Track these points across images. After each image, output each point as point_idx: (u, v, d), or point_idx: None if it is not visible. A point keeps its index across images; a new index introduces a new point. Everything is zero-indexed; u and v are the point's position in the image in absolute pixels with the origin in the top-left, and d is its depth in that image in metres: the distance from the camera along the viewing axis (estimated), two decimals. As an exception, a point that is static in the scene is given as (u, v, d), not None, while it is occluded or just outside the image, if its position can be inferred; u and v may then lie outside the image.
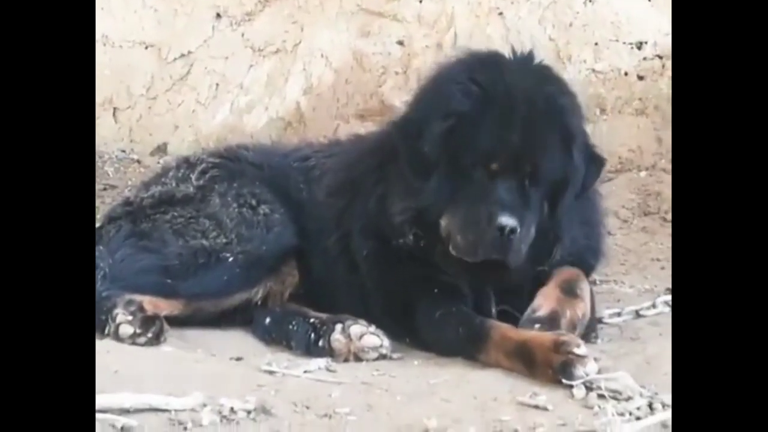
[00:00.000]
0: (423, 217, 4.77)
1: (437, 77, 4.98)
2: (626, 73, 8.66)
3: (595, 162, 4.99)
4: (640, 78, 8.64)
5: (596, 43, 8.69)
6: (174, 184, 5.38)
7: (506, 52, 4.96)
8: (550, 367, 4.13)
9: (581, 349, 4.13)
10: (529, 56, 4.95)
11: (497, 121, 4.73)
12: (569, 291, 4.67)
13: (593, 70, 8.68)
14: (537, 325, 4.46)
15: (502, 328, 4.48)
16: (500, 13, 8.87)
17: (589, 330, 4.83)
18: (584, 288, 4.75)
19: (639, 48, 8.63)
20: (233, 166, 5.46)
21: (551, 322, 4.48)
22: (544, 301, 4.60)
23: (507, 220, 4.59)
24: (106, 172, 8.79)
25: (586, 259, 5.05)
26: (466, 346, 4.56)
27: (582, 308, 4.64)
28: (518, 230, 4.61)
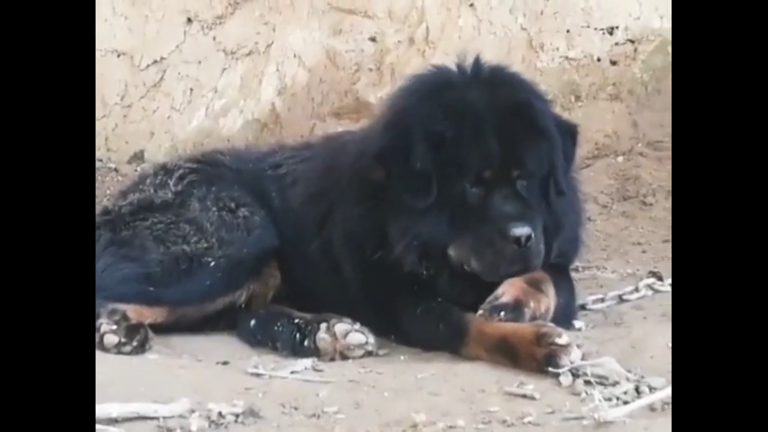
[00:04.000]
0: (428, 251, 4.75)
1: (405, 104, 4.95)
2: (599, 59, 8.68)
3: (568, 132, 5.04)
4: (613, 63, 8.67)
5: (568, 30, 8.71)
6: (152, 191, 5.37)
7: (455, 64, 5.02)
8: (534, 360, 4.15)
9: (563, 338, 4.14)
10: (478, 64, 4.99)
11: (474, 138, 4.75)
12: (535, 285, 4.63)
13: (566, 58, 8.70)
14: (502, 313, 4.42)
15: (479, 324, 4.45)
16: (471, 5, 8.89)
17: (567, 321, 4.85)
18: (550, 287, 4.70)
19: (610, 33, 8.65)
20: (211, 171, 5.46)
21: (515, 310, 4.45)
22: (508, 289, 4.55)
23: (521, 230, 4.61)
24: (84, 181, 8.73)
25: (565, 249, 5.05)
26: (447, 342, 4.57)
27: (546, 303, 4.60)
28: (533, 235, 4.63)
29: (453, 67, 5.02)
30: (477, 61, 4.99)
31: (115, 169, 9.29)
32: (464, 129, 4.75)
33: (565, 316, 4.83)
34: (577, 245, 5.16)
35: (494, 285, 4.63)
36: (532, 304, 4.51)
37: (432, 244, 4.73)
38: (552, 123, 4.93)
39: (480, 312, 4.49)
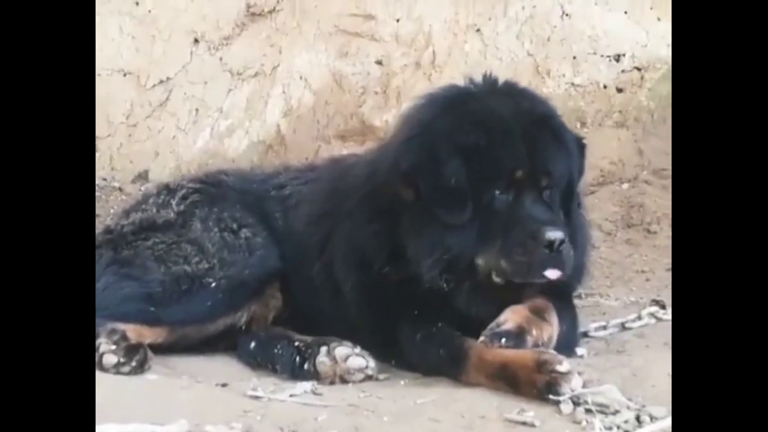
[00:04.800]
0: (454, 264, 4.68)
1: (426, 117, 4.89)
2: (605, 86, 8.67)
3: (578, 146, 5.03)
4: (619, 90, 8.65)
5: (574, 57, 8.71)
6: (154, 211, 5.36)
7: (466, 81, 5.02)
8: (535, 387, 4.11)
9: (564, 365, 4.11)
10: (490, 78, 5.00)
11: (503, 143, 4.71)
12: (538, 314, 4.59)
13: (572, 84, 8.69)
14: (503, 340, 4.38)
15: (479, 350, 4.41)
16: (477, 30, 8.89)
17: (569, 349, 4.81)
18: (553, 316, 4.66)
19: (617, 60, 8.64)
20: (214, 191, 5.44)
21: (517, 338, 4.39)
22: (511, 316, 4.51)
23: (554, 234, 4.56)
24: (88, 200, 8.72)
25: (571, 278, 4.99)
26: (447, 368, 4.53)
27: (549, 332, 4.55)
28: (565, 240, 4.59)
29: (465, 82, 5.01)
30: (489, 76, 4.99)
31: (120, 189, 9.27)
32: (493, 135, 4.71)
33: (567, 343, 4.79)
34: (582, 272, 5.10)
35: (515, 298, 4.63)
36: (534, 332, 4.47)
37: (461, 256, 4.67)
38: (569, 135, 4.95)
39: (482, 338, 4.46)
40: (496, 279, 4.67)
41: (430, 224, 4.69)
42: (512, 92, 4.98)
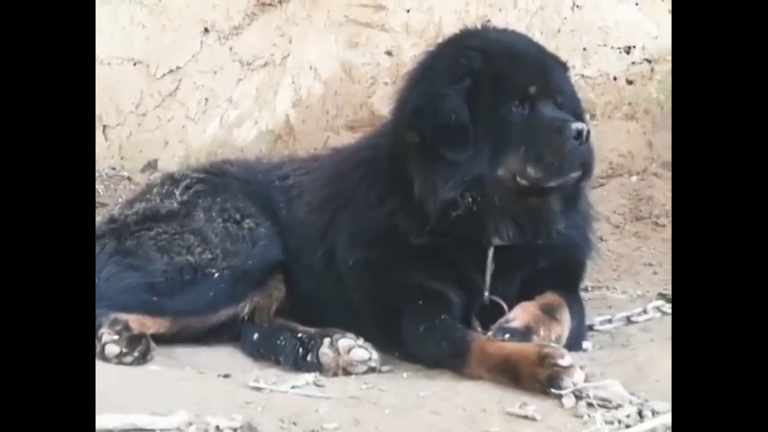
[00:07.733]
0: (476, 182, 4.63)
1: (426, 62, 4.94)
2: (615, 78, 8.63)
3: None
4: (630, 82, 8.61)
5: (585, 49, 8.67)
6: (158, 200, 5.35)
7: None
8: (537, 380, 4.07)
9: (566, 359, 4.07)
10: (486, 24, 5.19)
11: (512, 64, 4.73)
12: (549, 312, 4.57)
13: (582, 76, 8.64)
14: (507, 335, 4.36)
15: (482, 343, 4.38)
16: (488, 21, 8.84)
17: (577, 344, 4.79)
18: (564, 315, 4.64)
19: (627, 52, 8.60)
20: (217, 181, 5.44)
21: (523, 336, 4.37)
22: (521, 314, 4.51)
23: (579, 125, 4.55)
24: (96, 190, 8.75)
25: (580, 247, 5.00)
26: (449, 360, 4.49)
27: (558, 331, 4.54)
28: (590, 132, 4.58)
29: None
30: (484, 24, 5.09)
31: (128, 178, 9.28)
32: (495, 58, 4.72)
33: (575, 338, 4.78)
34: (589, 245, 5.07)
35: (543, 213, 4.69)
36: (542, 332, 4.45)
37: (481, 175, 4.63)
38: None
39: (489, 333, 4.46)
40: (522, 182, 4.61)
41: (439, 161, 4.66)
42: (511, 32, 5.10)
